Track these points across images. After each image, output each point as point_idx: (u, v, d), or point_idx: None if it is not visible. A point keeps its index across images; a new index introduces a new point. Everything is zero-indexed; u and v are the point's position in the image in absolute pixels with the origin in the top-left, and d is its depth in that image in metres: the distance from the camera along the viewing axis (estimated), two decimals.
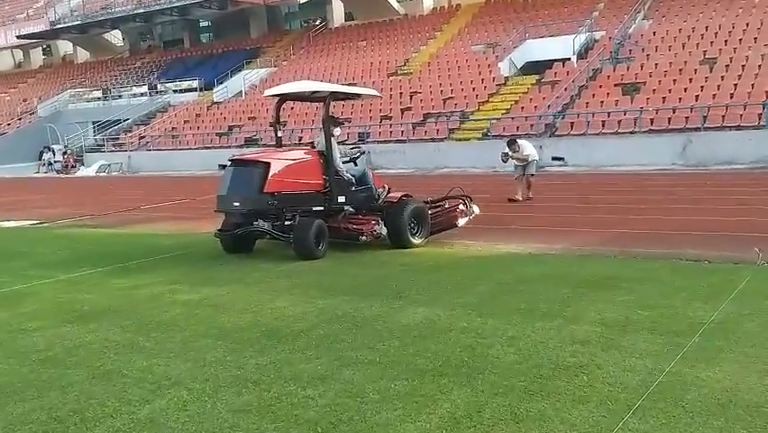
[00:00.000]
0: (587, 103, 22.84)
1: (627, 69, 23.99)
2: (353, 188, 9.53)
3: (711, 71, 21.94)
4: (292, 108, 28.73)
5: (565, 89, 23.94)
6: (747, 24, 24.41)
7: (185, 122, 34.83)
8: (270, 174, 8.78)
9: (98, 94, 42.97)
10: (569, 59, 26.30)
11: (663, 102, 21.17)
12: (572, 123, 22.09)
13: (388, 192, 9.97)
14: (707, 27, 25.12)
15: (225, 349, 5.15)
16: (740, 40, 23.63)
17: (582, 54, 26.56)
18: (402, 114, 27.22)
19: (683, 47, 24.37)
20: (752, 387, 3.99)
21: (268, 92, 10.86)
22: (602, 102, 22.54)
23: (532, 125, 22.64)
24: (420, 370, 4.52)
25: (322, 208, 9.22)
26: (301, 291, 6.84)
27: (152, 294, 7.07)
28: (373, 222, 9.38)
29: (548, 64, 26.65)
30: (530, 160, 14.25)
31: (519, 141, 14.66)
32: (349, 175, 9.54)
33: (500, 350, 4.84)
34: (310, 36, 40.15)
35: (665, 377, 4.19)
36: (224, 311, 6.24)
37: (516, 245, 9.14)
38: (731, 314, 5.39)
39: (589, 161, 19.96)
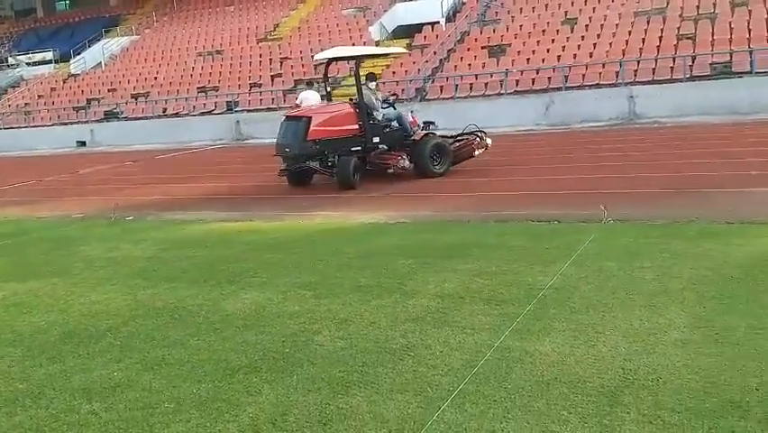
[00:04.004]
0: (455, 66, 22.78)
1: (494, 31, 24.11)
2: (387, 130, 11.58)
3: (572, 31, 22.38)
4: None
5: (434, 53, 23.78)
6: None
7: (39, 96, 32.20)
8: (312, 125, 11.04)
9: None
10: (438, 22, 26.16)
11: (528, 63, 21.40)
12: (442, 86, 21.98)
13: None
14: None
15: (13, 358, 4.45)
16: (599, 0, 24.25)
17: (451, 17, 26.47)
18: (272, 80, 26.26)
19: (546, 8, 24.72)
20: (579, 359, 3.76)
21: (318, 56, 13.25)
22: (470, 65, 22.54)
23: (403, 90, 22.33)
24: (232, 367, 4.02)
25: (359, 148, 11.33)
26: (123, 281, 6.15)
27: None
28: (399, 157, 11.33)
29: (418, 28, 26.40)
30: None
31: (308, 91, 15.64)
32: (385, 119, 11.63)
33: (327, 336, 4.42)
34: (174, 2, 37.98)
35: (493, 354, 3.91)
36: (26, 310, 5.47)
37: (374, 215, 8.77)
38: (569, 277, 5.21)
39: (459, 124, 19.82)
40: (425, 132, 11.75)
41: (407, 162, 11.39)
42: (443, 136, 11.89)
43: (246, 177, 14.07)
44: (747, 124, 15.49)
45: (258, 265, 6.39)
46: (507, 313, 4.54)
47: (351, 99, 11.86)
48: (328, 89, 12.50)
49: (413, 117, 12.19)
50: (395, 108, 12.06)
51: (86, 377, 4.04)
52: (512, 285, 5.15)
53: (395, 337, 4.30)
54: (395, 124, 11.83)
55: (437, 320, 4.54)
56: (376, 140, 11.45)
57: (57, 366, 4.25)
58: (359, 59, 12.52)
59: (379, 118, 11.65)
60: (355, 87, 11.89)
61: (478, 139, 11.96)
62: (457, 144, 12.03)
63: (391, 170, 11.42)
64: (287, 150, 11.42)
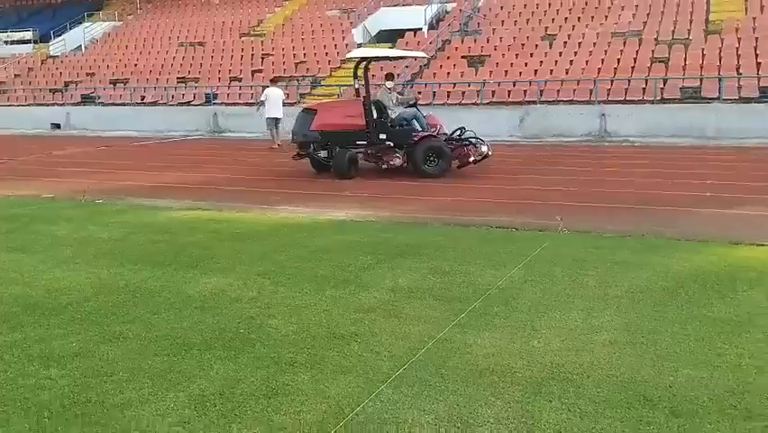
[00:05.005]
0: (435, 73, 23.09)
1: (474, 41, 24.46)
2: (396, 128, 12.24)
3: (551, 47, 22.79)
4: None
5: (415, 59, 24.05)
6: (586, 3, 25.59)
7: (16, 76, 31.89)
8: (316, 117, 12.22)
9: None
10: (420, 29, 26.48)
11: (505, 75, 21.77)
12: (420, 92, 22.25)
13: (438, 132, 12.43)
14: (549, 4, 26.06)
15: None
16: (579, 18, 24.73)
17: (434, 25, 26.81)
18: (252, 75, 26.35)
19: (527, 22, 25.17)
20: (513, 352, 4.02)
21: (349, 54, 15.61)
22: (449, 73, 22.86)
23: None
24: (187, 344, 4.22)
25: (365, 142, 12.19)
26: (88, 260, 6.30)
27: None
28: (395, 155, 12.12)
29: (401, 33, 26.69)
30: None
31: (271, 88, 18.76)
32: (401, 117, 12.34)
33: (281, 320, 4.64)
34: None
35: (435, 344, 4.16)
36: None
37: (341, 213, 8.98)
38: (517, 280, 5.49)
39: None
40: (425, 133, 12.14)
41: (399, 160, 12.10)
42: (448, 139, 12.30)
43: (219, 169, 14.19)
44: (711, 148, 16.01)
45: (222, 253, 6.58)
46: (454, 309, 4.80)
47: (363, 96, 12.55)
48: (357, 87, 13.08)
49: (440, 122, 12.77)
50: (417, 108, 12.73)
51: (45, 346, 4.21)
52: (462, 284, 5.41)
53: (345, 325, 4.53)
54: (415, 123, 12.39)
55: (387, 312, 4.78)
56: (383, 136, 12.12)
57: (17, 335, 4.41)
58: (374, 60, 13.65)
59: (393, 116, 12.33)
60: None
61: (473, 146, 12.20)
62: (464, 149, 12.24)
63: (385, 166, 12.20)
64: (295, 137, 12.73)
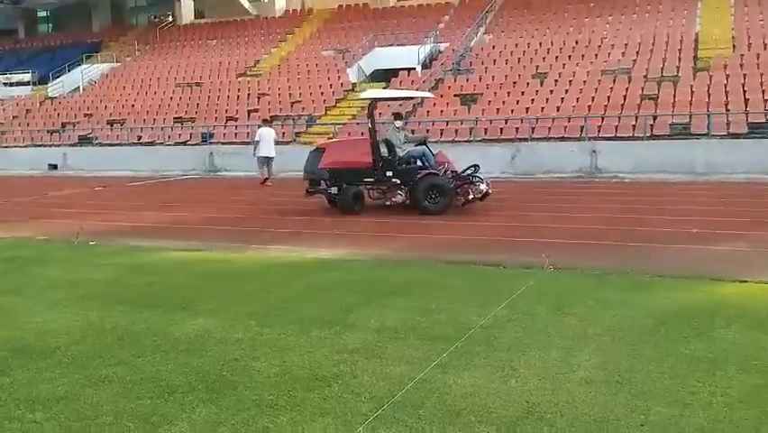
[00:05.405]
0: (428, 111, 23.43)
1: (467, 80, 24.88)
2: (403, 166, 12.67)
3: (542, 85, 23.19)
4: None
5: (411, 99, 24.40)
6: (576, 42, 26.08)
7: (14, 117, 32.26)
8: (324, 156, 12.72)
9: None
10: (414, 68, 26.92)
11: (497, 113, 22.10)
12: (413, 130, 22.49)
13: (445, 171, 12.72)
14: (540, 43, 26.57)
15: None
16: (569, 57, 25.18)
17: (427, 64, 27.27)
18: (249, 115, 26.68)
19: (518, 61, 25.61)
20: (491, 392, 4.10)
21: (362, 95, 15.83)
22: (442, 111, 23.19)
23: (376, 132, 22.87)
24: (171, 387, 4.29)
25: (372, 180, 12.63)
26: (79, 302, 6.38)
27: None
28: (397, 192, 12.57)
29: (395, 72, 27.12)
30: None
31: (263, 128, 19.69)
32: (408, 155, 12.81)
33: (264, 363, 4.71)
34: (157, 32, 38.51)
35: (415, 385, 4.23)
36: None
37: (331, 251, 9.07)
38: (500, 319, 5.57)
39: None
40: (428, 171, 12.49)
41: (401, 197, 12.54)
42: (456, 175, 12.58)
43: (214, 208, 14.33)
44: (701, 184, 16.23)
45: (210, 294, 6.66)
46: (436, 348, 4.87)
47: (370, 135, 13.12)
48: (370, 126, 13.18)
49: (448, 159, 13.09)
50: (428, 148, 13.10)
51: (32, 390, 4.28)
52: (446, 323, 5.50)
53: (327, 366, 4.60)
54: (428, 160, 12.78)
55: (370, 352, 4.85)
56: (389, 173, 12.54)
57: (5, 379, 4.47)
58: (378, 101, 14.62)
59: (401, 155, 12.78)
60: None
61: (472, 185, 12.39)
62: (466, 187, 12.46)
63: (388, 203, 12.67)
64: (306, 174, 13.24)
